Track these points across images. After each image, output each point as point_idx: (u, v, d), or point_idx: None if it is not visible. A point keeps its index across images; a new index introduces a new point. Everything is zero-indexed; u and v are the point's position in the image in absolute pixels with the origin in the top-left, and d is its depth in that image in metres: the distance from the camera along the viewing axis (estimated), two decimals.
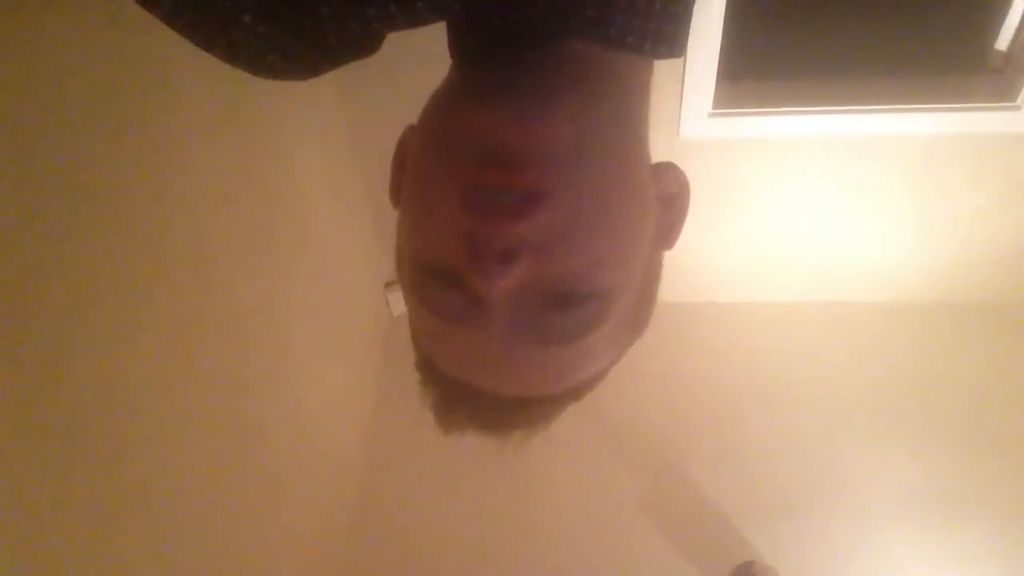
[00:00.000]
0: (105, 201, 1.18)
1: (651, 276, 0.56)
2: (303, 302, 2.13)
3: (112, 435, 1.19)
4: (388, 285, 2.99)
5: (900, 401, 2.72)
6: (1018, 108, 2.40)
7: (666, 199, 0.56)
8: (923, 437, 2.61)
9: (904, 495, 2.47)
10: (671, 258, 0.59)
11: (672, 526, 2.44)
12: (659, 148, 0.52)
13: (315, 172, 2.32)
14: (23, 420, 0.99)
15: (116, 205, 1.21)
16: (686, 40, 0.52)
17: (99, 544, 1.16)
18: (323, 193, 2.39)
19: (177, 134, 1.45)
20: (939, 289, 2.98)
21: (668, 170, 0.56)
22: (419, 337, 0.57)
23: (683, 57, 2.36)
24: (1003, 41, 2.43)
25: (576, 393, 0.57)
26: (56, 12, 1.05)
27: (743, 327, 2.99)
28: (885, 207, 2.76)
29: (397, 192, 0.58)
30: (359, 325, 2.78)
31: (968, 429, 2.62)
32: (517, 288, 0.46)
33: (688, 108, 2.46)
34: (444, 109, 0.49)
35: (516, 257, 0.44)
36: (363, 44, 0.50)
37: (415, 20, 0.46)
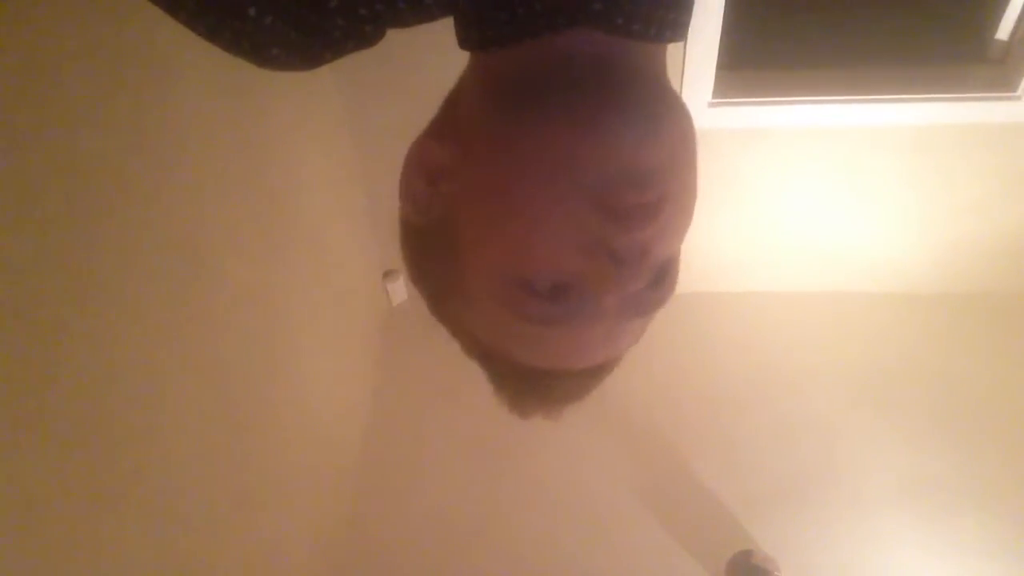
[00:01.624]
0: (102, 191, 1.18)
1: None
2: (301, 292, 2.13)
3: (107, 427, 1.19)
4: (387, 274, 2.99)
5: (899, 391, 2.73)
6: (1018, 98, 2.39)
7: None
8: (922, 427, 2.62)
9: (902, 485, 2.48)
10: None
11: (670, 515, 2.45)
12: None
13: (313, 162, 2.32)
14: (18, 411, 0.99)
15: (113, 195, 1.21)
16: (688, 23, 0.53)
17: (94, 538, 1.16)
18: (321, 183, 2.39)
19: (175, 124, 1.44)
20: (938, 279, 2.98)
21: None
22: (497, 345, 0.59)
23: (682, 46, 2.36)
24: (1003, 31, 2.43)
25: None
26: (54, 2, 1.04)
27: (741, 317, 3.00)
28: (885, 197, 2.76)
29: (426, 209, 0.58)
30: (358, 315, 2.79)
31: (967, 420, 2.62)
32: None
33: (687, 97, 2.44)
34: (540, 133, 0.49)
35: (651, 251, 0.49)
36: (366, 35, 0.50)
37: (421, 15, 0.48)
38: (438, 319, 0.64)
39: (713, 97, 2.47)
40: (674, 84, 2.50)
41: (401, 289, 3.00)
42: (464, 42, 0.53)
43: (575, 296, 0.51)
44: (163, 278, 1.37)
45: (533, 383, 0.59)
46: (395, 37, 0.51)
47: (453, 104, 0.57)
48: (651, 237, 0.49)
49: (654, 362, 2.25)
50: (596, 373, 0.60)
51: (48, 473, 1.05)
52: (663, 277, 0.54)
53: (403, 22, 0.48)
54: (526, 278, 0.51)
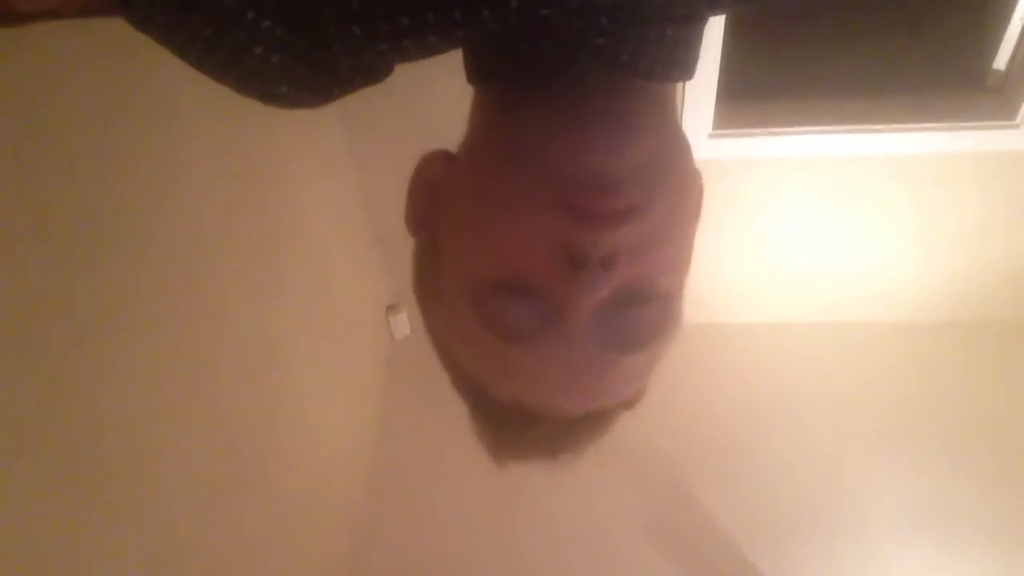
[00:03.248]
0: (106, 224, 1.18)
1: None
2: (304, 326, 2.12)
3: (106, 464, 1.18)
4: (390, 308, 2.99)
5: (905, 421, 2.71)
6: (1017, 126, 2.40)
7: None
8: (929, 456, 2.59)
9: (910, 515, 2.45)
10: None
11: (678, 547, 2.42)
12: None
13: (315, 195, 2.33)
14: (16, 451, 0.98)
15: (117, 229, 1.21)
16: (696, 63, 0.54)
17: (97, 571, 1.15)
18: (324, 217, 2.39)
19: (178, 157, 1.45)
20: (942, 308, 2.97)
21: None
22: (474, 370, 0.57)
23: None
24: (1000, 61, 2.44)
25: (631, 401, 0.60)
26: (62, 37, 1.05)
27: (745, 348, 2.98)
28: (887, 226, 2.76)
29: (422, 221, 0.59)
30: (361, 349, 2.78)
31: (974, 448, 2.60)
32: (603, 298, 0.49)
33: (687, 129, 2.45)
34: (520, 136, 0.50)
35: (615, 262, 0.47)
36: (375, 71, 0.51)
37: (427, 52, 0.48)
38: (433, 345, 0.63)
39: (713, 128, 2.48)
40: None
41: (404, 323, 3.00)
42: (472, 77, 0.54)
43: (541, 304, 0.50)
44: (164, 313, 1.36)
45: (508, 421, 0.57)
46: (400, 67, 0.52)
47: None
48: (619, 248, 0.47)
49: (656, 394, 2.23)
50: (578, 422, 0.57)
51: (46, 514, 1.04)
52: (643, 305, 0.52)
53: (409, 59, 0.48)
54: (493, 278, 0.51)
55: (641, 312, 0.52)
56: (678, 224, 0.52)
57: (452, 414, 0.63)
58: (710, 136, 2.49)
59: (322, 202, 2.38)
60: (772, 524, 2.45)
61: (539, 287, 0.50)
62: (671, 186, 0.50)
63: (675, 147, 0.52)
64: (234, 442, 1.64)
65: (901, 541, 2.39)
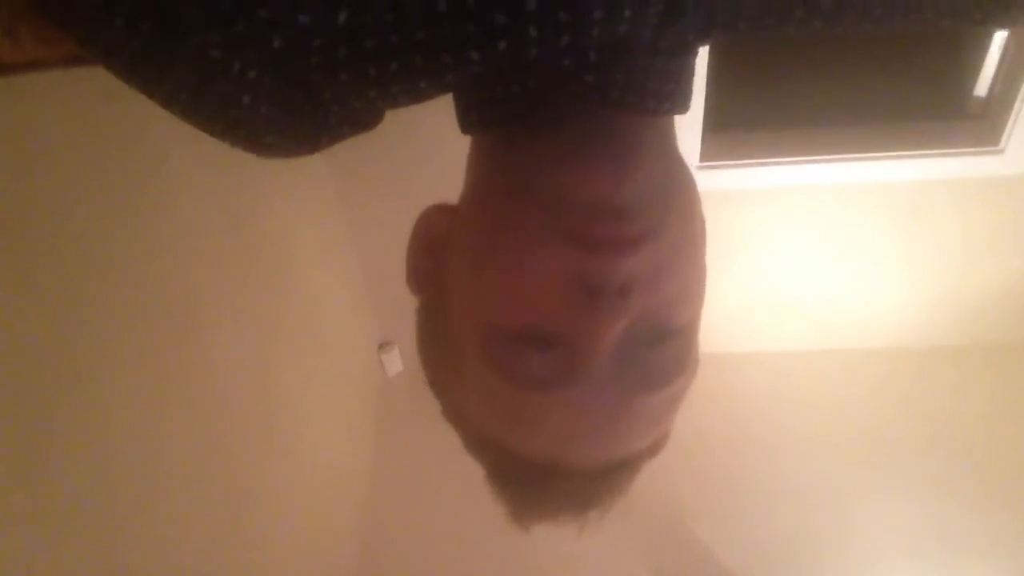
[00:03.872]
0: (93, 269, 1.18)
1: None
2: (296, 364, 2.11)
3: (102, 509, 1.16)
4: (382, 346, 2.98)
5: (899, 448, 2.69)
6: (1001, 152, 2.43)
7: None
8: (924, 483, 2.58)
9: (906, 540, 2.44)
10: None
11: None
12: None
13: (306, 233, 2.33)
14: (11, 497, 0.97)
15: (105, 272, 1.21)
16: (690, 95, 0.54)
17: None
18: (315, 255, 2.39)
19: (167, 199, 1.45)
20: (932, 334, 2.98)
21: None
22: (495, 428, 0.55)
23: None
24: (982, 87, 2.47)
25: (656, 446, 0.58)
26: (48, 88, 1.06)
27: (737, 378, 2.97)
28: (875, 253, 2.78)
29: (425, 279, 0.58)
30: (353, 386, 2.76)
31: (969, 473, 2.59)
32: (622, 332, 0.48)
33: None
34: (526, 176, 0.49)
35: (631, 292, 0.46)
36: (364, 120, 0.50)
37: (417, 97, 0.47)
38: (441, 406, 0.61)
39: (701, 160, 2.50)
40: None
41: (396, 360, 2.99)
42: (465, 126, 0.53)
43: (562, 349, 0.49)
44: (156, 354, 1.36)
45: (534, 480, 0.54)
46: (394, 120, 0.52)
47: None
48: (633, 276, 0.47)
49: None
50: (606, 474, 0.55)
51: (43, 559, 1.02)
52: (665, 341, 0.51)
53: (398, 105, 0.48)
54: (509, 327, 0.50)
55: (662, 350, 0.51)
56: (689, 249, 0.51)
57: (444, 450, 0.61)
58: (698, 168, 2.50)
59: (313, 243, 2.38)
60: (772, 554, 2.43)
61: (557, 331, 0.49)
62: (680, 211, 0.50)
63: (680, 173, 0.52)
64: (229, 479, 1.62)
65: (897, 567, 2.37)
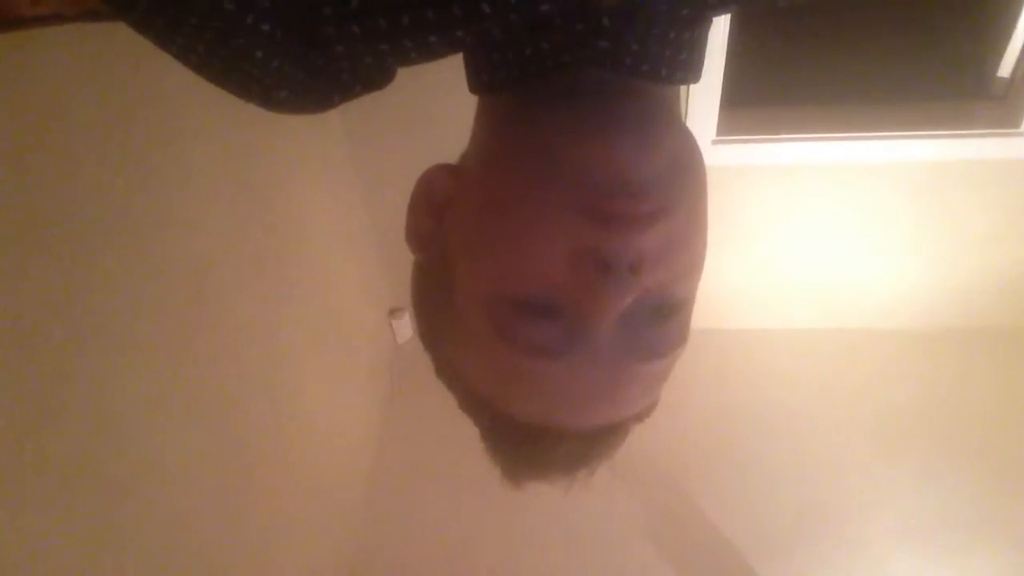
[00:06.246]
0: (106, 229, 1.19)
1: None
2: (307, 331, 2.13)
3: (110, 468, 1.18)
4: (392, 312, 2.99)
5: (907, 429, 2.70)
6: (1022, 134, 2.40)
7: None
8: (931, 465, 2.58)
9: (912, 524, 2.44)
10: None
11: (677, 556, 2.41)
12: None
13: (318, 199, 2.33)
14: (20, 454, 0.99)
15: (118, 233, 1.22)
16: (702, 65, 0.53)
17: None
18: (326, 220, 2.40)
19: (182, 163, 1.45)
20: (945, 315, 2.97)
21: None
22: (491, 390, 0.55)
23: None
24: (1005, 69, 2.44)
25: (645, 412, 0.59)
26: (65, 42, 1.06)
27: (748, 354, 2.98)
28: (890, 233, 2.76)
29: (427, 239, 0.57)
30: (363, 353, 2.78)
31: (976, 456, 2.59)
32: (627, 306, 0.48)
33: None
34: (540, 144, 0.49)
35: (641, 268, 0.47)
36: (376, 77, 0.50)
37: (428, 55, 0.47)
38: (435, 368, 0.62)
39: (717, 135, 2.48)
40: None
41: (407, 327, 3.00)
42: (475, 87, 0.53)
43: (567, 319, 0.49)
44: (167, 317, 1.37)
45: (529, 441, 0.55)
46: (402, 72, 0.51)
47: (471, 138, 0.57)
48: (645, 252, 0.47)
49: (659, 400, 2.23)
50: (598, 436, 0.56)
51: (50, 516, 1.04)
52: (668, 315, 0.52)
53: (409, 62, 0.48)
54: (516, 296, 0.50)
55: (662, 322, 0.52)
56: (697, 226, 0.51)
57: (454, 418, 0.62)
58: (714, 142, 2.48)
59: (325, 207, 2.38)
60: (774, 531, 2.44)
61: (564, 302, 0.49)
62: (691, 187, 0.50)
63: (691, 148, 0.51)
64: (238, 445, 1.64)
65: (902, 548, 2.38)
